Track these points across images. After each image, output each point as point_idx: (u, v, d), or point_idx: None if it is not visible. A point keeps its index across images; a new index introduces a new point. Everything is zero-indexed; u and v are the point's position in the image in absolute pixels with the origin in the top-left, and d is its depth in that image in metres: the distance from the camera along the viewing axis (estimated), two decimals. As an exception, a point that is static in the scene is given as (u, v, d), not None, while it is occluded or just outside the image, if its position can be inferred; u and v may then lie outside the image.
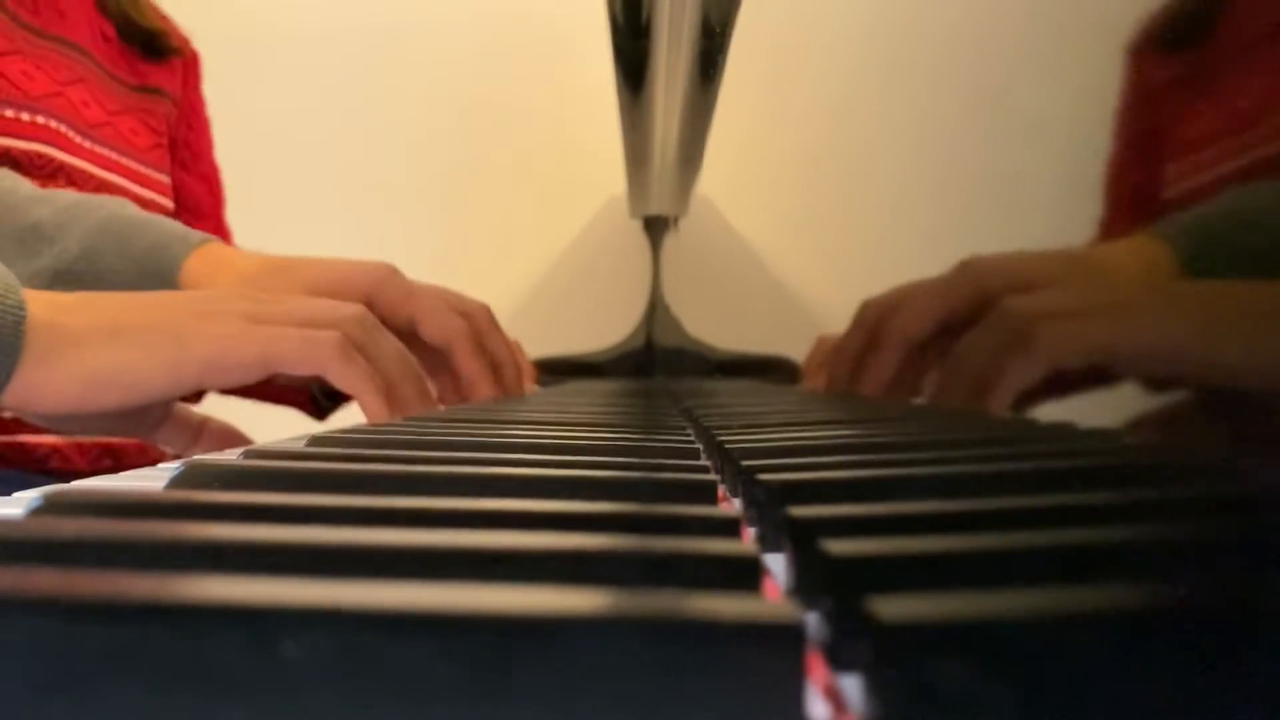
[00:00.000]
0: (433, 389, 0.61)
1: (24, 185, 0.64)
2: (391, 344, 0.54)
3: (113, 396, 0.45)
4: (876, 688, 0.12)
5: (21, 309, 0.42)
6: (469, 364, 0.63)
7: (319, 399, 0.80)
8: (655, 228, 1.18)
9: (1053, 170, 1.37)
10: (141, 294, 0.51)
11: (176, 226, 0.64)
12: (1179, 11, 0.85)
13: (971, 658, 0.12)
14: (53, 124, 0.77)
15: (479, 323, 0.65)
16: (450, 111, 1.44)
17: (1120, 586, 0.14)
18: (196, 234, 0.64)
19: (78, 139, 0.79)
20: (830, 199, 1.44)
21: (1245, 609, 0.12)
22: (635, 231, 1.18)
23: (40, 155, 0.76)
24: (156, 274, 0.60)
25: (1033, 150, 1.39)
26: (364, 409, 0.51)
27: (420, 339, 0.62)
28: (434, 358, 0.63)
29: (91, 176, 0.80)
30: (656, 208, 1.13)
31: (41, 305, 0.44)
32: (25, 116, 0.75)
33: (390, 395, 0.52)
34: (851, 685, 0.14)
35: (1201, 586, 0.14)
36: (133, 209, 0.64)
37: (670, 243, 1.18)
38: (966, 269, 0.59)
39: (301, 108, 1.43)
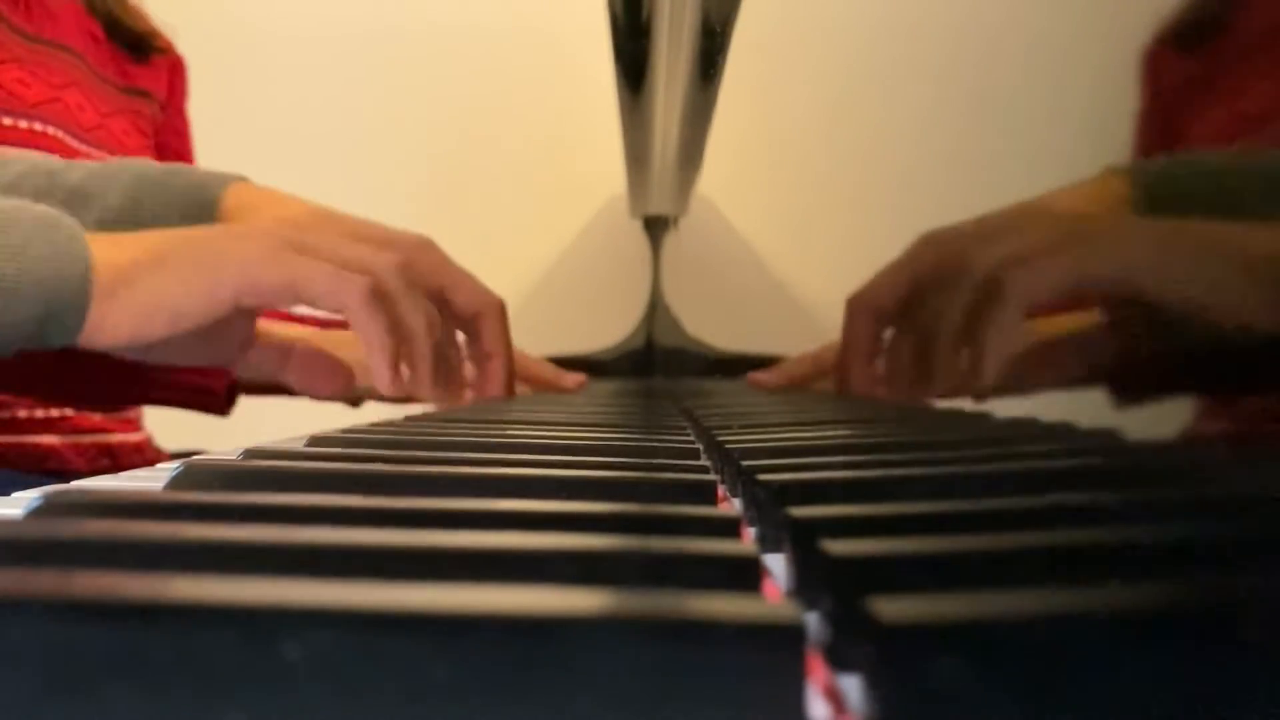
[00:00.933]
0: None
1: (51, 158, 0.64)
2: (422, 302, 0.54)
3: (160, 325, 0.47)
4: (877, 688, 0.12)
5: (87, 258, 0.45)
6: (496, 333, 0.62)
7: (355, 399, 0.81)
8: (655, 228, 1.18)
9: (1054, 170, 1.37)
10: (188, 228, 0.53)
11: (207, 170, 0.65)
12: (1192, 13, 0.85)
13: (971, 658, 0.12)
14: (50, 130, 0.77)
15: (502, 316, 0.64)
16: (450, 111, 1.44)
17: (1120, 586, 0.14)
18: (229, 173, 0.64)
19: (74, 143, 0.79)
20: (830, 199, 1.44)
21: (1244, 609, 0.12)
22: (635, 231, 1.18)
23: None
24: (199, 211, 0.61)
25: (1034, 150, 1.39)
26: (371, 364, 0.51)
27: (449, 314, 0.61)
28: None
29: None
30: (656, 208, 1.12)
31: (99, 246, 0.46)
32: (24, 124, 0.75)
33: (407, 352, 0.52)
34: (852, 685, 0.14)
35: (1201, 586, 0.14)
36: (155, 164, 0.65)
37: (670, 243, 1.18)
38: (928, 238, 0.60)
39: (301, 109, 1.43)
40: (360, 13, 1.44)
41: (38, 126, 0.76)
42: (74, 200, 0.60)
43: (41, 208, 0.46)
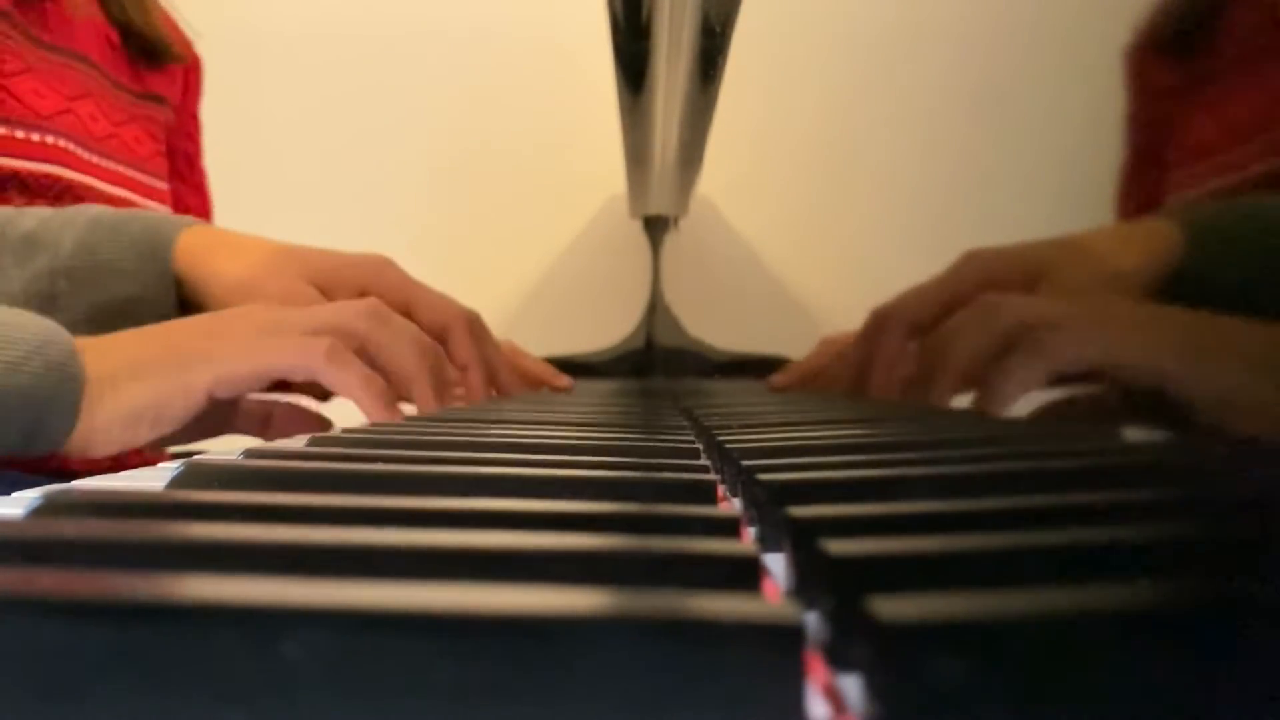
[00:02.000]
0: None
1: (3, 208, 0.65)
2: (406, 332, 0.55)
3: (145, 430, 0.49)
4: (876, 688, 0.12)
5: (79, 376, 0.46)
6: (465, 345, 0.63)
7: None
8: (655, 228, 1.18)
9: (1055, 171, 1.38)
10: (160, 325, 0.54)
11: (164, 213, 0.66)
12: (1175, 13, 0.85)
13: (971, 658, 0.12)
14: (62, 143, 0.77)
15: (471, 329, 0.65)
16: (450, 111, 1.44)
17: (1120, 586, 0.14)
18: (186, 217, 0.65)
19: (85, 155, 0.79)
20: (831, 199, 1.44)
21: (1245, 609, 0.12)
22: (635, 231, 1.18)
23: (49, 176, 0.76)
24: (152, 255, 0.62)
25: (1035, 151, 1.39)
26: (363, 412, 0.51)
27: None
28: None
29: (99, 193, 0.80)
30: (656, 208, 1.12)
31: (89, 358, 0.47)
32: (35, 137, 0.75)
33: (406, 385, 0.53)
34: (851, 685, 0.14)
35: (1201, 586, 0.14)
36: (111, 209, 0.65)
37: (670, 243, 1.18)
38: (971, 258, 0.60)
39: (300, 109, 1.43)
40: (360, 13, 1.44)
41: (49, 140, 0.76)
42: (22, 248, 0.61)
43: (38, 321, 0.47)
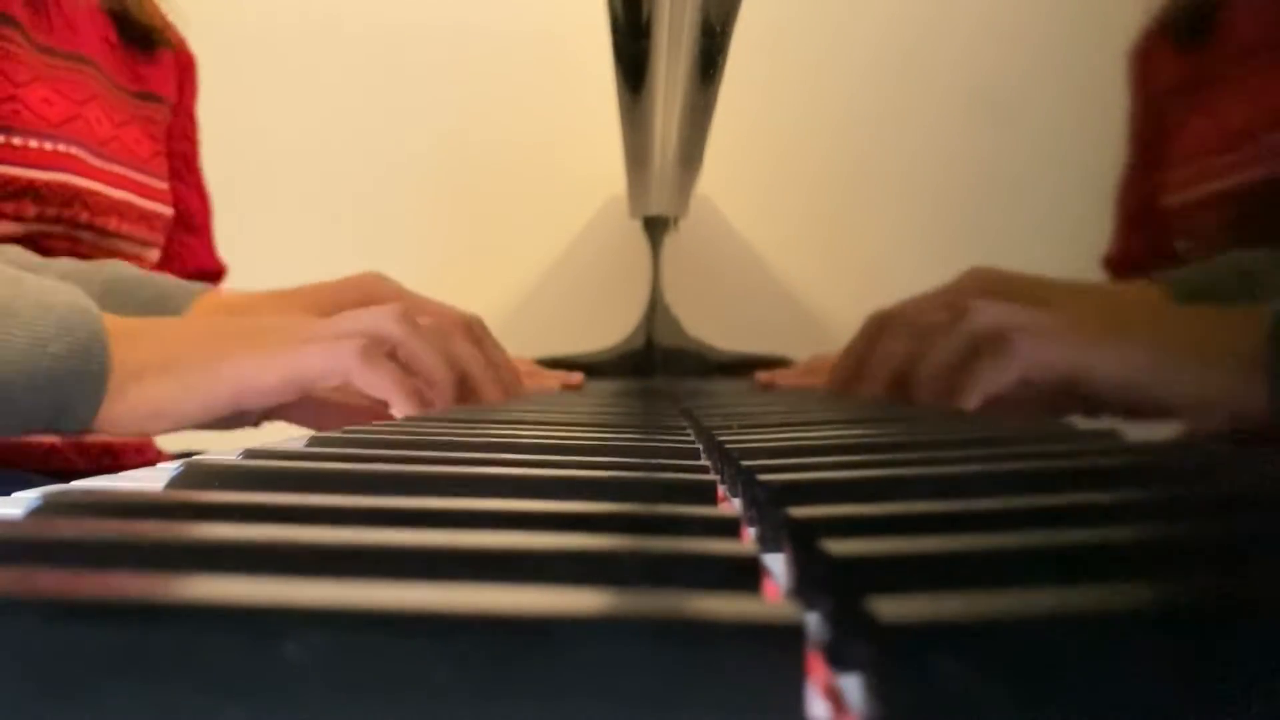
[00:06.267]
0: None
1: (24, 256, 0.65)
2: (434, 345, 0.55)
3: (164, 425, 0.50)
4: (877, 688, 0.12)
5: (105, 361, 0.47)
6: (471, 353, 0.63)
7: None
8: (655, 228, 1.17)
9: (1055, 171, 1.38)
10: (192, 323, 0.55)
11: (176, 280, 0.67)
12: (1177, 12, 0.85)
13: (971, 658, 0.12)
14: (73, 150, 0.78)
15: (472, 332, 0.65)
16: (450, 111, 1.44)
17: (1120, 586, 0.14)
18: (196, 284, 0.67)
19: (92, 160, 0.80)
20: (830, 199, 1.44)
21: (1244, 609, 0.12)
22: (635, 231, 1.18)
23: (60, 184, 0.76)
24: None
25: (1034, 151, 1.39)
26: (398, 412, 0.51)
27: None
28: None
29: (104, 198, 0.81)
30: (656, 208, 1.12)
31: (117, 343, 0.48)
32: (48, 146, 0.76)
33: (428, 387, 0.53)
34: (852, 685, 0.14)
35: (1200, 586, 0.14)
36: (133, 269, 0.67)
37: (670, 243, 1.18)
38: (975, 274, 0.60)
39: (298, 109, 1.43)
40: (359, 13, 1.44)
41: (61, 147, 0.77)
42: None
43: (71, 294, 0.48)
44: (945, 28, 1.41)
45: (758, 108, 1.32)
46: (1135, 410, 0.51)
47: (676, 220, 1.17)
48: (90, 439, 0.50)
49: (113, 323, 0.49)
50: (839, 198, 1.44)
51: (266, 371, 0.50)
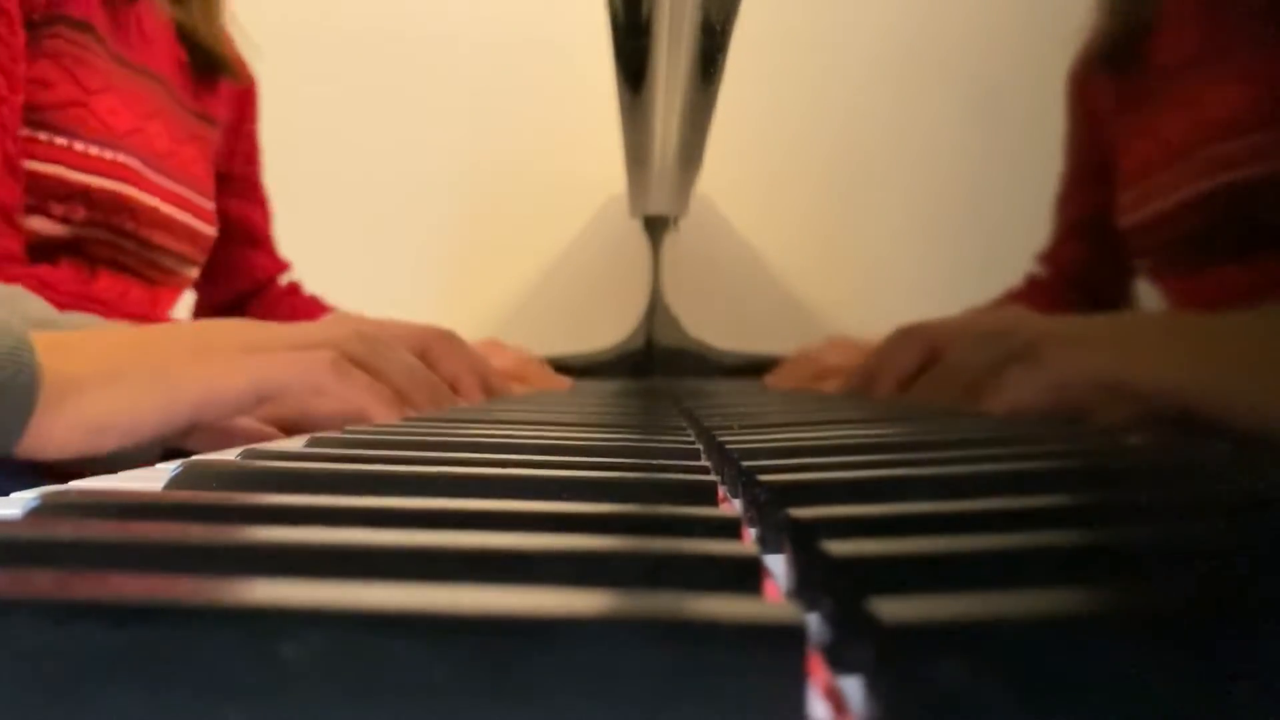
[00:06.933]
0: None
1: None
2: (399, 355, 0.54)
3: (111, 440, 0.45)
4: (877, 689, 0.12)
5: (34, 369, 0.42)
6: (449, 362, 0.63)
7: None
8: (655, 228, 1.18)
9: (1055, 171, 1.37)
10: (139, 331, 0.51)
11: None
12: (1112, 38, 0.87)
13: (972, 658, 0.12)
14: (131, 161, 0.78)
15: (434, 347, 0.64)
16: (450, 113, 1.44)
17: (1120, 586, 0.14)
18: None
19: (148, 173, 0.81)
20: (830, 199, 1.44)
21: (1244, 609, 0.12)
22: (635, 231, 1.18)
23: (113, 192, 0.77)
24: None
25: (1035, 151, 1.39)
26: (373, 420, 0.51)
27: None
28: None
29: (154, 211, 0.82)
30: (656, 208, 1.12)
31: (45, 351, 0.43)
32: (109, 155, 0.77)
33: (402, 404, 0.53)
34: (852, 686, 0.14)
35: (1201, 586, 0.14)
36: (39, 303, 0.62)
37: (670, 243, 1.18)
38: (1014, 310, 0.61)
39: (300, 112, 1.43)
40: (359, 14, 1.44)
41: (120, 157, 0.78)
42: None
43: None
44: (946, 28, 1.41)
45: (758, 107, 1.32)
46: (1188, 415, 0.50)
47: (676, 220, 1.17)
48: (24, 458, 0.45)
49: (42, 336, 0.44)
50: (839, 197, 1.44)
51: (231, 380, 0.46)
